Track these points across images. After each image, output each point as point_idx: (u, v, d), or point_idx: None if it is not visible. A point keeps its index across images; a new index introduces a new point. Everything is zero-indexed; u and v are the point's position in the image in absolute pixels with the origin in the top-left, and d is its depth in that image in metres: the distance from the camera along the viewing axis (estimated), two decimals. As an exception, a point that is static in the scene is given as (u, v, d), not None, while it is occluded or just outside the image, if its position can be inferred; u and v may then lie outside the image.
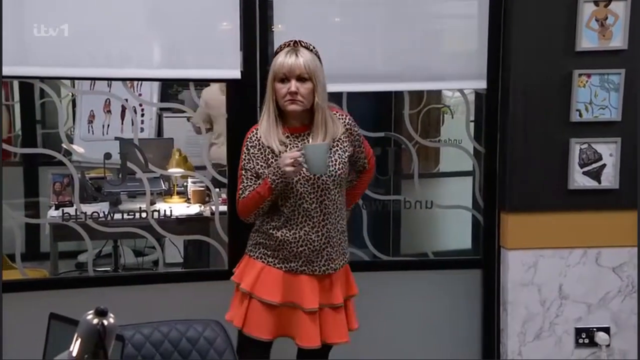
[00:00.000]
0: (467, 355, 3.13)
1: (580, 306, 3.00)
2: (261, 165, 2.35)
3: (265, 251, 2.40)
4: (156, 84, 4.59)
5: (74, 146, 3.67)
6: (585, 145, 2.91)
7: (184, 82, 4.16)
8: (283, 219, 2.36)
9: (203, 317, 2.10)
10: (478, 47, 2.96)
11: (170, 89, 4.94)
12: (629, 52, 2.86)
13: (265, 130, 2.36)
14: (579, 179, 2.92)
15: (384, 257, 3.14)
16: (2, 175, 2.43)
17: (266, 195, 2.32)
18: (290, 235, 2.35)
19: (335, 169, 2.35)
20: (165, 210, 3.15)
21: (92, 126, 4.82)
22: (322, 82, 2.35)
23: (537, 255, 2.96)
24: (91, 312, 1.12)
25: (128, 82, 3.04)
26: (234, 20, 2.78)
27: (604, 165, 2.93)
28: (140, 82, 4.47)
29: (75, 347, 1.11)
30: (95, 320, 1.11)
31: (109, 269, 4.52)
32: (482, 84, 2.98)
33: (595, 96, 2.88)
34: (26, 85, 4.90)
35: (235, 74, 2.80)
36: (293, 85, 2.30)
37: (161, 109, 4.87)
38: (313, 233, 2.35)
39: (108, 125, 4.78)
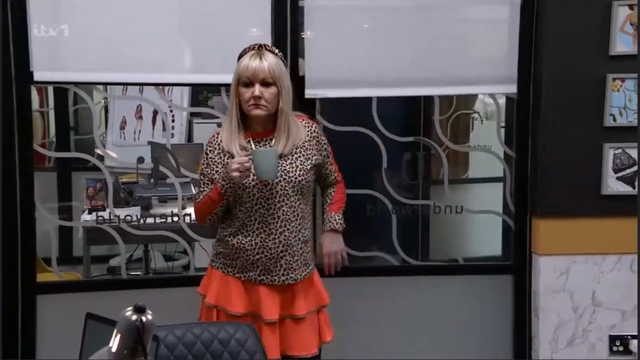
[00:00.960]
0: (498, 361, 3.10)
1: (614, 313, 2.96)
2: (217, 171, 2.32)
3: (225, 260, 2.35)
4: (187, 90, 4.63)
5: (108, 150, 3.72)
6: (620, 150, 2.88)
7: (214, 88, 4.20)
8: (238, 224, 2.30)
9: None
10: (508, 51, 2.95)
11: (201, 94, 4.98)
12: (664, 56, 2.83)
13: (227, 135, 2.31)
14: (612, 184, 2.89)
15: (413, 261, 3.13)
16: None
17: (217, 199, 2.28)
18: (246, 242, 2.29)
19: (295, 175, 2.29)
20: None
21: (123, 132, 4.88)
22: (287, 86, 2.29)
23: (570, 262, 2.92)
24: (130, 308, 1.14)
25: (160, 87, 3.08)
26: (265, 26, 2.80)
27: (638, 171, 2.89)
28: (171, 88, 4.52)
29: (114, 343, 1.12)
30: (134, 317, 1.12)
31: (140, 273, 4.57)
32: (513, 88, 2.96)
33: (630, 101, 2.84)
34: (60, 91, 4.98)
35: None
36: (257, 89, 2.24)
37: (191, 115, 4.92)
38: (270, 240, 2.29)
39: (139, 131, 4.83)
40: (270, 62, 2.25)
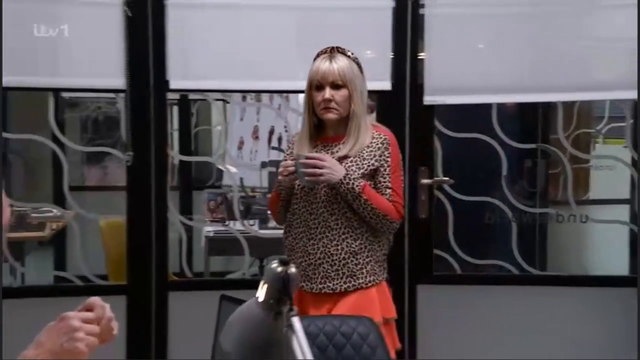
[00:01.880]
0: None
1: None
2: None
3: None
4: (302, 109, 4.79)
5: (228, 166, 3.91)
6: None
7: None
8: (288, 226, 2.34)
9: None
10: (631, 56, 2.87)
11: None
12: None
13: (298, 138, 2.35)
14: None
15: (533, 270, 3.06)
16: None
17: (275, 198, 2.34)
18: (294, 244, 2.31)
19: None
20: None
21: (241, 152, 5.08)
22: (360, 89, 2.24)
23: None
24: (276, 261, 1.21)
25: (285, 96, 3.19)
26: (386, 36, 2.84)
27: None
28: (287, 110, 4.69)
29: (262, 292, 1.19)
30: (280, 269, 1.19)
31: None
32: (634, 94, 2.86)
33: None
34: (184, 113, 5.27)
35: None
36: (327, 92, 2.21)
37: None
38: (309, 245, 2.26)
39: (256, 151, 5.02)
40: (340, 65, 2.22)
